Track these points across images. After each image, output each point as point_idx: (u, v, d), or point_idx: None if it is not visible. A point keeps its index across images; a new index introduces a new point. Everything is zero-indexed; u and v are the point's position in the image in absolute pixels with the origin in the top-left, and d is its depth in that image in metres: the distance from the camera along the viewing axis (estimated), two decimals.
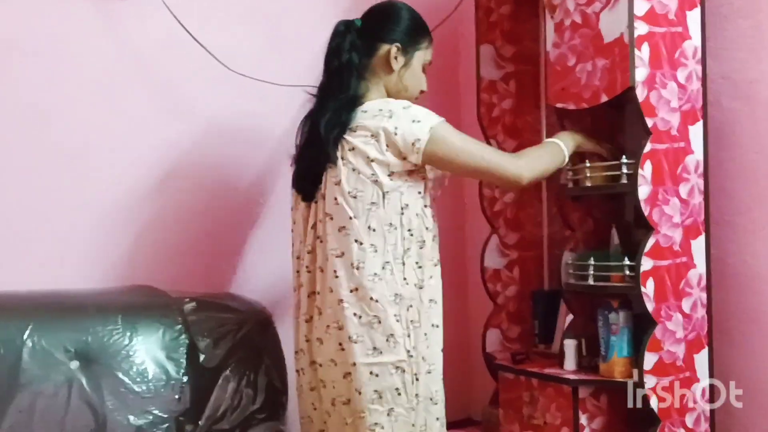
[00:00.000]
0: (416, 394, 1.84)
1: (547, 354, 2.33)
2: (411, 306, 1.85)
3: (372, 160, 1.82)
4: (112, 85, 2.26)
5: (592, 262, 2.03)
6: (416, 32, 1.97)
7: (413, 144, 1.82)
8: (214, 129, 2.41)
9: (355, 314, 1.82)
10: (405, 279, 1.84)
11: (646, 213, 1.92)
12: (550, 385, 2.08)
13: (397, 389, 1.82)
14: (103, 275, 2.22)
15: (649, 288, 1.91)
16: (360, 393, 1.82)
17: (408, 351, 1.83)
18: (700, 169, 2.01)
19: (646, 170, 1.92)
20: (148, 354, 2.00)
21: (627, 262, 1.96)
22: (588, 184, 2.06)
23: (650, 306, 1.91)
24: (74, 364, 1.93)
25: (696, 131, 2.00)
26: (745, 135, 2.07)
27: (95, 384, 1.93)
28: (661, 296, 1.93)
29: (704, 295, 2.01)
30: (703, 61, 2.02)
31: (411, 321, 1.84)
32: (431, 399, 1.87)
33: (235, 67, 2.37)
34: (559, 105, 2.11)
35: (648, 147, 1.92)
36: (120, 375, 1.95)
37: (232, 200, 2.44)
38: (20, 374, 1.86)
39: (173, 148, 2.35)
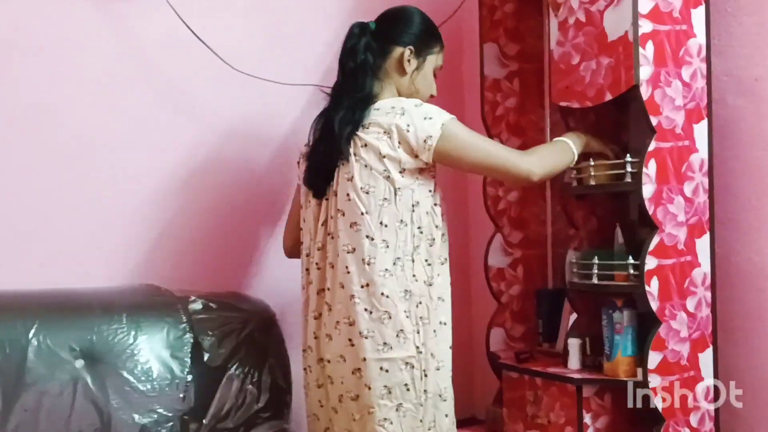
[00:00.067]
0: (425, 390, 1.85)
1: (551, 353, 2.33)
2: (420, 303, 1.86)
3: (384, 156, 1.84)
4: (114, 84, 2.26)
5: (596, 261, 2.03)
6: (429, 37, 2.01)
7: (425, 141, 1.84)
8: (216, 128, 2.41)
9: (366, 309, 1.83)
10: (414, 276, 1.85)
11: (650, 211, 1.91)
12: (554, 384, 2.08)
13: (406, 385, 1.83)
14: (107, 274, 2.22)
15: (653, 287, 1.91)
16: (370, 388, 1.83)
17: (417, 347, 1.84)
18: (705, 168, 2.00)
19: (650, 169, 1.91)
20: (153, 353, 2.01)
21: (631, 260, 1.96)
22: (592, 182, 2.05)
23: (654, 305, 1.91)
24: (79, 363, 1.93)
25: (701, 129, 2.00)
26: (750, 133, 2.07)
27: (100, 383, 1.93)
28: (666, 295, 1.93)
29: (709, 294, 2.00)
30: (708, 59, 2.01)
31: (420, 318, 1.85)
32: (440, 396, 1.88)
33: (238, 65, 2.37)
34: (563, 103, 2.10)
35: (652, 145, 1.92)
36: (125, 374, 1.96)
37: (236, 199, 2.44)
38: (26, 373, 1.87)
39: (175, 148, 2.35)
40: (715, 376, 2.00)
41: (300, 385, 2.25)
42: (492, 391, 2.47)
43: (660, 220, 1.92)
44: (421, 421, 1.85)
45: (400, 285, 1.84)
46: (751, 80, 2.06)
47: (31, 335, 1.90)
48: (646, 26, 1.91)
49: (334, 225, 1.90)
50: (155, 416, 1.96)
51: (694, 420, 1.97)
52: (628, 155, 1.97)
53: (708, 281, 2.00)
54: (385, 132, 1.85)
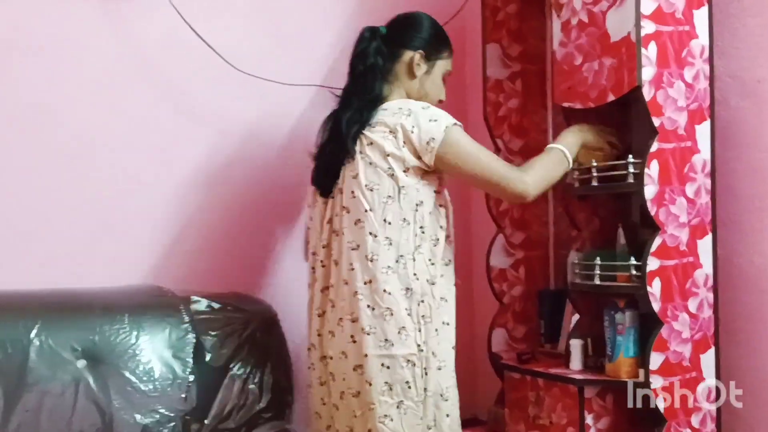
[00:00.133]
0: (425, 389, 1.86)
1: (553, 354, 2.33)
2: (422, 301, 1.87)
3: (388, 155, 1.86)
4: (115, 84, 2.26)
5: (598, 261, 2.03)
6: (439, 42, 2.05)
7: (428, 143, 1.85)
8: (217, 128, 2.41)
9: (369, 306, 1.85)
10: (415, 274, 1.86)
11: (652, 213, 1.91)
12: (556, 384, 2.08)
13: (407, 383, 1.84)
14: (108, 274, 2.22)
15: (655, 288, 1.91)
16: (371, 384, 1.84)
17: (419, 345, 1.85)
18: (707, 169, 2.00)
19: (652, 170, 1.91)
20: (155, 353, 2.01)
21: (633, 261, 1.96)
22: (594, 183, 2.05)
23: (656, 306, 1.91)
24: (81, 363, 1.94)
25: (703, 130, 1.99)
26: (753, 134, 2.06)
27: (102, 383, 1.93)
28: (668, 296, 1.93)
29: (711, 295, 2.00)
30: (711, 60, 2.01)
31: (422, 316, 1.86)
32: (441, 395, 1.88)
33: (239, 65, 2.37)
34: (565, 104, 2.10)
35: (655, 146, 1.92)
36: (127, 374, 1.96)
37: (237, 199, 2.44)
38: (27, 373, 1.87)
39: (176, 147, 2.35)
40: (717, 377, 2.00)
41: (302, 385, 2.25)
42: (494, 391, 2.47)
43: (662, 221, 1.92)
44: (421, 419, 1.85)
45: (402, 283, 1.85)
46: (754, 82, 2.05)
47: (33, 335, 1.90)
48: (648, 27, 1.90)
49: (339, 222, 1.92)
50: (157, 416, 1.96)
51: (695, 421, 1.96)
52: (630, 156, 1.97)
53: (710, 282, 2.00)
54: (390, 131, 1.87)
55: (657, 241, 1.91)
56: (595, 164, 2.04)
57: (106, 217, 2.25)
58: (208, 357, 2.09)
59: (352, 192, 1.89)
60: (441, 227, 1.92)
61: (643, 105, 1.92)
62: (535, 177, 1.93)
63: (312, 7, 2.54)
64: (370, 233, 1.86)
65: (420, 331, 1.86)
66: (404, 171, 1.86)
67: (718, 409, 2.01)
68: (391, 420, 1.84)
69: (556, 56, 2.12)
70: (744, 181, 2.07)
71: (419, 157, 1.86)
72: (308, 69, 2.51)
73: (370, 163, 1.88)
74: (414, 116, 1.87)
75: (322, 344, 1.95)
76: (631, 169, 1.96)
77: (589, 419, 2.01)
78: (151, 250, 2.32)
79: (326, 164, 1.98)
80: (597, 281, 2.03)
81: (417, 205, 1.87)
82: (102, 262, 2.24)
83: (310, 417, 2.06)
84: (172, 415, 1.98)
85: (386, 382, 1.84)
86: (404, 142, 1.86)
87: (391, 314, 1.84)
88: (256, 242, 2.46)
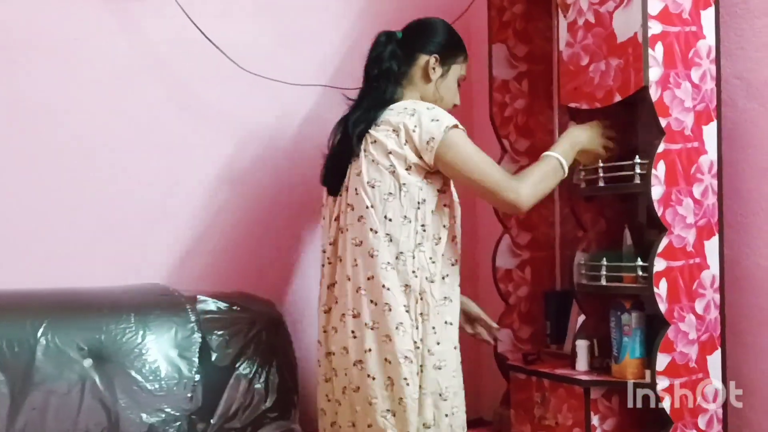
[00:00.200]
0: (420, 387, 1.86)
1: (558, 355, 2.33)
2: (421, 299, 1.87)
3: (390, 152, 1.88)
4: (124, 83, 2.27)
5: (604, 262, 2.02)
6: (454, 46, 2.07)
7: (428, 142, 1.86)
8: (225, 127, 2.42)
9: (371, 301, 1.86)
10: (414, 272, 1.87)
11: (659, 213, 1.91)
12: (561, 385, 2.07)
13: (405, 379, 1.84)
14: (115, 274, 2.22)
15: (661, 289, 1.90)
16: (374, 379, 1.85)
17: (415, 342, 1.86)
18: (714, 170, 2.00)
19: (659, 170, 1.91)
20: (161, 352, 2.01)
21: (640, 262, 1.95)
22: (601, 184, 2.05)
23: (663, 307, 1.90)
24: (87, 363, 1.94)
25: (710, 131, 1.99)
26: (760, 136, 2.06)
27: (108, 382, 1.94)
28: (674, 297, 1.92)
29: (717, 297, 1.99)
30: (718, 61, 2.01)
31: (420, 314, 1.87)
32: (440, 395, 1.88)
33: (247, 65, 2.38)
34: (572, 105, 2.10)
35: (661, 147, 1.91)
36: (133, 373, 1.97)
37: (245, 198, 2.45)
38: (34, 372, 1.88)
39: (183, 147, 2.35)
40: (724, 378, 1.99)
41: (306, 384, 2.26)
42: (499, 392, 2.47)
43: (669, 222, 1.92)
44: (418, 416, 1.85)
45: (401, 279, 1.86)
46: (761, 83, 2.05)
47: (39, 334, 1.91)
48: (655, 27, 1.90)
49: (344, 219, 1.94)
50: (163, 416, 1.97)
51: (702, 422, 1.96)
52: (637, 156, 1.97)
53: (717, 283, 1.99)
54: (393, 130, 1.89)
55: (664, 242, 1.91)
56: (601, 165, 2.03)
57: (112, 216, 2.26)
58: (214, 356, 2.09)
59: (356, 189, 1.92)
60: (444, 226, 1.92)
61: (649, 105, 1.91)
62: (530, 188, 1.90)
63: (319, 7, 2.55)
64: (371, 229, 1.88)
65: (417, 328, 1.86)
66: (406, 169, 1.87)
67: (725, 411, 2.00)
68: (393, 416, 1.85)
69: (562, 56, 2.11)
70: (751, 182, 2.07)
71: (420, 156, 1.87)
72: (315, 69, 2.52)
73: (373, 161, 1.90)
74: (417, 115, 1.88)
75: (327, 340, 1.97)
76: (638, 170, 1.95)
77: (595, 420, 2.00)
78: (157, 250, 2.32)
79: (334, 163, 2.01)
80: (603, 282, 2.03)
81: (419, 203, 1.88)
82: (108, 261, 2.25)
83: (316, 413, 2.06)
84: (178, 414, 1.99)
85: (389, 377, 1.85)
86: (406, 141, 1.87)
87: (389, 310, 1.85)
88: (263, 242, 2.47)
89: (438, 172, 1.91)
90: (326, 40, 2.56)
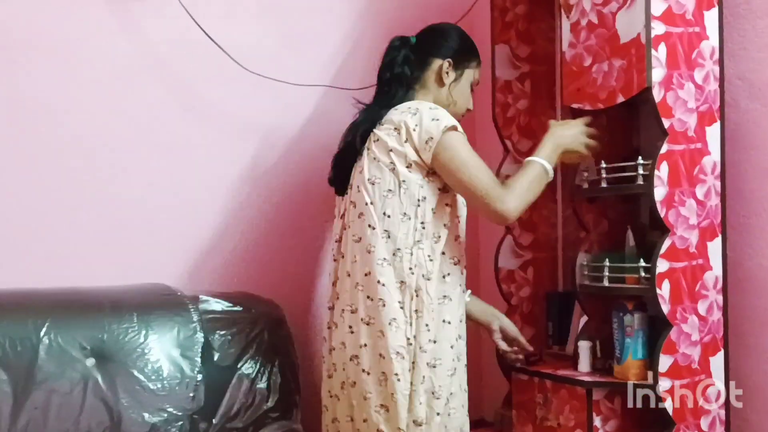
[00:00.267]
0: (411, 383, 1.86)
1: (561, 355, 2.33)
2: (416, 296, 1.87)
3: (390, 150, 1.89)
4: (125, 84, 2.27)
5: (607, 263, 2.02)
6: (467, 51, 2.08)
7: (426, 141, 1.87)
8: (228, 128, 2.42)
9: (368, 297, 1.88)
10: (410, 269, 1.87)
11: (662, 214, 1.90)
12: (563, 386, 2.07)
13: (396, 375, 1.85)
14: (117, 273, 2.23)
15: (664, 290, 1.90)
16: (368, 374, 1.87)
17: (408, 339, 1.86)
18: (717, 171, 1.99)
19: (662, 171, 1.91)
20: (163, 352, 2.01)
21: (642, 263, 1.95)
22: (603, 185, 2.05)
23: (665, 308, 1.90)
24: (90, 362, 1.94)
25: (713, 132, 1.99)
26: (763, 137, 2.05)
27: (110, 381, 1.94)
28: (677, 298, 1.92)
29: (720, 298, 1.99)
30: (721, 62, 2.00)
31: (415, 311, 1.87)
32: (433, 393, 1.88)
33: (250, 66, 2.38)
34: (574, 105, 2.10)
35: (664, 148, 1.91)
36: (135, 373, 1.97)
37: (245, 198, 2.45)
38: (36, 371, 1.88)
39: (187, 147, 2.35)
40: (726, 380, 1.99)
41: (308, 384, 2.26)
42: (501, 393, 2.47)
43: (671, 223, 1.91)
44: (409, 412, 1.86)
45: (397, 276, 1.87)
46: (763, 84, 2.04)
47: (42, 333, 1.91)
48: (658, 28, 1.90)
49: (347, 216, 1.96)
50: (165, 415, 1.97)
51: (704, 424, 1.96)
52: (639, 157, 1.97)
53: (720, 284, 1.99)
54: (395, 128, 1.90)
55: (666, 243, 1.90)
56: (604, 165, 2.03)
57: (113, 216, 2.26)
58: (216, 356, 2.09)
59: (358, 187, 1.94)
60: (445, 225, 1.92)
61: (652, 106, 1.91)
62: (517, 200, 1.88)
63: (322, 8, 2.55)
64: (369, 225, 1.89)
65: (411, 324, 1.87)
66: (407, 166, 1.88)
67: (727, 412, 2.00)
68: (387, 411, 1.85)
69: (565, 57, 2.11)
70: (754, 183, 2.07)
71: (419, 155, 1.88)
72: (318, 69, 2.52)
73: (375, 158, 1.91)
74: (419, 115, 1.89)
75: (330, 337, 1.98)
76: (641, 171, 1.95)
77: (597, 421, 2.00)
78: (159, 250, 2.32)
79: (339, 163, 2.04)
80: (606, 283, 2.03)
81: (419, 200, 1.89)
82: (110, 261, 2.25)
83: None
84: (180, 414, 1.99)
85: (383, 372, 1.85)
86: (406, 139, 1.88)
87: (384, 305, 1.86)
88: (265, 242, 2.47)
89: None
90: (329, 40, 2.56)
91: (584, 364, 2.09)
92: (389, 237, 1.88)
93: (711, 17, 1.98)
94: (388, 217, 1.88)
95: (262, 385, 2.13)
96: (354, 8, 2.59)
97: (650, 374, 1.93)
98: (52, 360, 1.90)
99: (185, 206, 2.35)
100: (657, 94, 1.90)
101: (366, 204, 1.90)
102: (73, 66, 2.22)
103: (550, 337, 2.42)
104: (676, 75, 1.93)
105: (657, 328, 1.94)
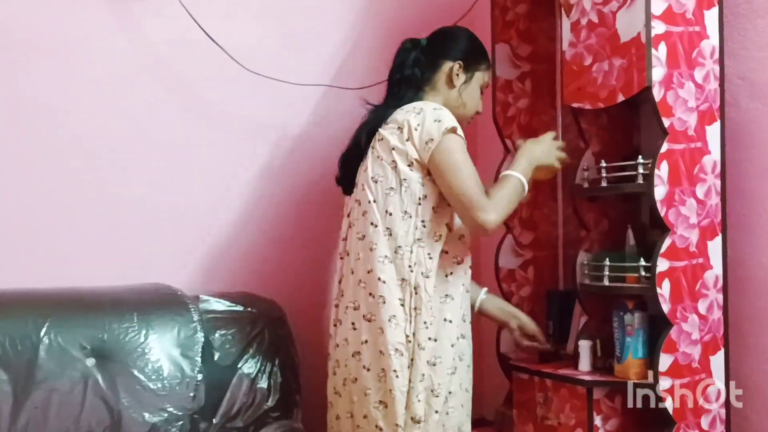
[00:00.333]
0: (409, 380, 1.87)
1: (561, 355, 2.32)
2: (415, 293, 1.88)
3: (393, 148, 1.91)
4: (125, 83, 2.28)
5: (607, 262, 2.02)
6: (478, 54, 2.11)
7: (427, 142, 1.88)
8: (227, 127, 2.42)
9: (370, 294, 1.89)
10: (410, 267, 1.88)
11: (662, 213, 1.90)
12: (564, 386, 2.07)
13: (395, 371, 1.86)
14: (118, 273, 2.23)
15: (664, 289, 1.90)
16: (368, 370, 1.88)
17: (407, 335, 1.87)
18: (717, 170, 1.99)
19: (662, 170, 1.90)
20: (163, 351, 2.02)
21: (643, 262, 1.95)
22: (604, 184, 2.05)
23: (666, 307, 1.90)
24: (90, 361, 1.94)
25: (713, 131, 1.99)
26: (762, 135, 2.05)
27: (111, 381, 1.94)
28: (677, 297, 1.92)
29: (721, 297, 1.99)
30: (721, 61, 2.00)
31: (414, 308, 1.88)
32: (432, 391, 1.88)
33: (251, 65, 2.38)
34: (575, 104, 2.10)
35: (664, 147, 1.91)
36: (135, 372, 1.97)
37: (246, 198, 2.45)
38: (37, 370, 1.88)
39: (187, 147, 2.36)
40: (727, 379, 1.99)
41: (309, 383, 2.26)
42: (502, 392, 2.47)
43: (672, 222, 1.91)
44: (406, 409, 1.86)
45: (398, 273, 1.88)
46: (764, 83, 2.04)
47: (42, 333, 1.91)
48: (659, 27, 1.90)
49: (353, 214, 1.98)
50: (165, 415, 1.97)
51: (705, 423, 1.96)
52: (640, 157, 1.97)
53: (720, 284, 1.99)
54: (398, 127, 1.91)
55: (666, 242, 1.90)
56: (604, 164, 2.03)
57: (113, 216, 2.26)
58: (216, 356, 2.09)
59: (362, 185, 1.96)
60: (447, 224, 1.93)
61: (652, 105, 1.91)
62: (498, 213, 1.89)
63: (321, 8, 2.55)
64: (371, 223, 1.91)
65: (410, 322, 1.88)
66: (408, 165, 1.90)
67: (728, 411, 2.00)
68: (385, 407, 1.86)
69: (565, 56, 2.11)
70: (754, 182, 2.07)
71: (420, 154, 1.89)
72: (318, 69, 2.52)
73: (378, 157, 1.93)
74: (422, 114, 1.90)
75: (335, 333, 2.00)
76: (641, 170, 1.95)
77: (597, 420, 2.00)
78: (160, 250, 2.33)
79: (345, 163, 2.06)
80: (606, 282, 2.03)
81: (420, 198, 1.90)
82: (110, 261, 2.25)
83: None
84: (181, 413, 1.99)
85: (383, 369, 1.87)
86: (408, 138, 1.90)
87: (384, 302, 1.87)
88: (265, 241, 2.47)
89: None
90: (329, 40, 2.56)
91: (585, 363, 2.09)
92: (391, 235, 1.89)
93: (711, 16, 1.98)
94: (390, 215, 1.90)
95: (262, 384, 2.13)
96: (354, 8, 2.59)
97: (650, 373, 1.93)
98: (52, 359, 1.90)
99: (185, 206, 2.35)
100: (657, 94, 1.90)
101: (369, 202, 1.92)
102: (73, 66, 2.22)
103: (551, 336, 2.42)
104: (676, 74, 1.93)
105: (657, 327, 1.94)
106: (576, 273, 2.16)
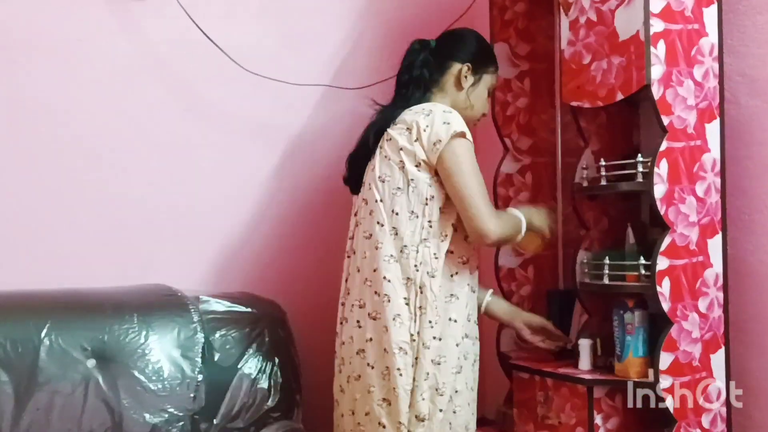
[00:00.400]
0: (413, 379, 1.87)
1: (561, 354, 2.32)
2: (420, 292, 1.89)
3: (401, 149, 1.92)
4: (125, 84, 2.28)
5: (607, 261, 2.02)
6: (486, 56, 2.12)
7: (435, 144, 1.89)
8: (227, 127, 2.42)
9: (375, 292, 1.90)
10: (416, 266, 1.89)
11: (662, 212, 1.90)
12: (564, 384, 2.07)
13: (398, 369, 1.86)
14: (118, 274, 2.23)
15: (664, 287, 1.90)
16: (372, 368, 1.89)
17: (411, 334, 1.88)
18: (717, 168, 1.99)
19: (662, 169, 1.90)
20: (164, 352, 2.02)
21: (642, 261, 1.95)
22: (603, 182, 2.05)
23: (666, 305, 1.90)
24: (91, 363, 1.95)
25: (713, 129, 1.98)
26: (762, 132, 2.05)
27: (112, 382, 1.94)
28: (677, 296, 1.92)
29: (721, 295, 1.99)
30: (720, 59, 2.00)
31: (419, 307, 1.89)
32: (437, 390, 1.89)
33: (250, 66, 2.38)
34: (574, 103, 2.10)
35: (664, 145, 1.91)
36: (136, 373, 1.97)
37: (247, 198, 2.45)
38: (38, 372, 1.88)
39: (187, 147, 2.36)
40: (727, 377, 1.99)
41: (309, 384, 2.26)
42: (502, 391, 2.47)
43: (672, 221, 1.91)
44: (410, 407, 1.87)
45: (403, 272, 1.90)
46: (764, 80, 2.04)
47: (43, 335, 1.91)
48: (657, 25, 1.90)
49: (360, 213, 2.00)
50: (166, 416, 1.97)
51: (705, 421, 1.95)
52: (639, 155, 1.96)
53: (720, 282, 1.99)
54: (407, 128, 1.93)
55: (666, 241, 1.90)
56: (603, 163, 2.02)
57: (113, 216, 2.27)
58: (217, 356, 2.09)
59: (369, 185, 1.97)
60: (453, 224, 1.93)
61: (652, 104, 1.91)
62: (502, 229, 1.91)
63: (321, 8, 2.55)
64: (377, 222, 1.92)
65: (415, 321, 1.89)
66: (416, 165, 1.91)
67: (729, 410, 2.00)
68: (389, 404, 1.87)
69: (564, 55, 2.11)
70: (754, 180, 2.06)
71: (427, 155, 1.90)
72: (318, 69, 2.52)
73: (386, 157, 1.94)
74: (432, 116, 1.91)
75: (341, 331, 2.01)
76: (641, 168, 1.95)
77: (598, 419, 2.00)
78: (160, 250, 2.33)
79: (353, 162, 2.06)
80: (606, 281, 2.03)
81: (427, 199, 1.91)
82: (110, 262, 2.26)
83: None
84: (181, 414, 1.99)
85: (387, 367, 1.88)
86: (416, 138, 1.91)
87: (389, 301, 1.88)
88: (266, 242, 2.47)
89: None
90: (329, 40, 2.56)
91: (585, 361, 2.09)
92: (397, 234, 1.91)
93: (710, 14, 1.98)
94: (396, 214, 1.91)
95: (263, 384, 2.13)
96: (354, 8, 2.59)
97: (651, 372, 1.92)
98: (53, 361, 1.90)
99: (185, 206, 2.36)
100: (656, 92, 1.90)
101: (376, 201, 1.93)
102: (73, 66, 2.22)
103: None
104: (675, 72, 1.92)
105: (658, 326, 1.94)
106: (576, 272, 2.16)
